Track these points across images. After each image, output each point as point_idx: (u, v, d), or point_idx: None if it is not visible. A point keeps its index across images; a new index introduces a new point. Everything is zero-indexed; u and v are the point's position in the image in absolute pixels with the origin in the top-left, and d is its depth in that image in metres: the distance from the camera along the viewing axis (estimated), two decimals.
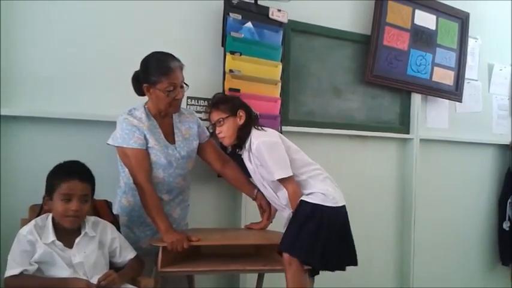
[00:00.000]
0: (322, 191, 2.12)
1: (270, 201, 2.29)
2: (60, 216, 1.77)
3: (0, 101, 2.18)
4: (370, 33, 3.22)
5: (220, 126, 2.18)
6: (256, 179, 2.26)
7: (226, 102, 2.21)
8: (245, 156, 2.24)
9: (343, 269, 2.18)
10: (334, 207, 2.11)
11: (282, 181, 2.11)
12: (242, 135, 2.19)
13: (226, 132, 2.17)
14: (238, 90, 2.66)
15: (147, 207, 2.05)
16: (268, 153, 2.09)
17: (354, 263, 2.20)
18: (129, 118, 2.11)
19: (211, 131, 2.29)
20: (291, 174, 2.10)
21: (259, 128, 2.21)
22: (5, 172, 2.22)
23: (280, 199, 2.20)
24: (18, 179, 2.23)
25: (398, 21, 3.32)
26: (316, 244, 2.04)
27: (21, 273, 1.68)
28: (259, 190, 2.31)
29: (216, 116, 2.18)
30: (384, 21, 3.24)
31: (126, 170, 2.14)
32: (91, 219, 1.88)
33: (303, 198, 2.11)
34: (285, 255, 2.04)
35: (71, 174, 1.78)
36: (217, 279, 2.77)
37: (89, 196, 1.83)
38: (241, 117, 2.18)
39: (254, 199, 2.37)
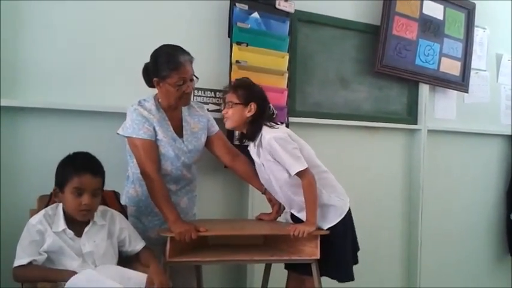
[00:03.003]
0: (333, 203, 2.21)
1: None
2: (72, 209, 1.77)
3: (8, 92, 2.19)
4: (380, 22, 3.20)
5: (228, 108, 2.17)
6: (260, 172, 2.25)
7: (245, 88, 2.18)
8: (253, 150, 2.23)
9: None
10: (348, 212, 2.23)
11: (298, 174, 2.10)
12: (251, 129, 2.18)
13: (230, 116, 2.17)
14: None
15: (155, 198, 2.05)
16: (281, 147, 2.08)
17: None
18: (139, 109, 2.11)
19: (222, 109, 2.28)
20: (306, 165, 2.10)
21: (271, 124, 2.19)
22: (14, 163, 2.23)
23: (278, 194, 2.24)
24: (27, 169, 2.24)
25: (407, 10, 3.30)
26: (349, 258, 2.24)
27: (30, 263, 1.69)
28: None
29: (229, 97, 2.17)
30: (394, 11, 3.22)
31: (135, 160, 2.14)
32: (100, 208, 1.88)
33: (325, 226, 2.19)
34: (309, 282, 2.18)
35: (84, 168, 1.76)
36: (225, 270, 2.78)
37: (100, 190, 1.83)
38: (250, 110, 2.15)
39: (263, 193, 2.37)
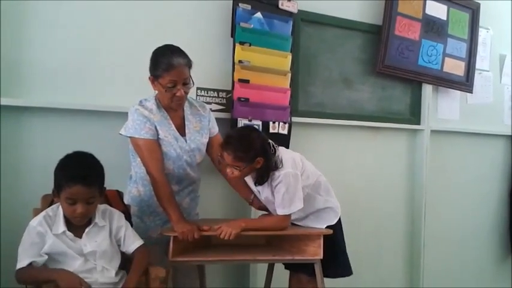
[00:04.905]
0: (330, 205, 2.24)
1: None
2: (67, 215, 1.77)
3: (12, 91, 2.20)
4: (382, 22, 3.20)
5: (234, 170, 2.04)
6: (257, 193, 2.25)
7: (245, 150, 1.99)
8: (251, 183, 2.21)
9: None
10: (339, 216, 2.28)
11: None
12: (259, 176, 2.10)
13: (238, 176, 2.07)
14: (247, 81, 2.66)
15: (159, 197, 2.05)
16: (287, 185, 2.05)
17: None
18: (140, 109, 2.11)
19: (219, 155, 2.12)
20: (292, 212, 2.08)
21: (276, 166, 2.07)
22: (18, 162, 2.24)
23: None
24: (31, 168, 2.25)
25: (410, 10, 3.29)
26: (346, 254, 2.30)
27: (30, 264, 1.69)
28: (255, 195, 2.28)
29: (231, 161, 2.01)
30: (396, 11, 3.21)
31: (137, 159, 2.15)
32: (101, 208, 1.87)
33: (322, 226, 2.21)
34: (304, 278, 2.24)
35: (74, 179, 1.70)
36: (228, 270, 2.79)
37: (96, 197, 1.78)
38: (258, 163, 2.03)
39: (250, 204, 2.35)
